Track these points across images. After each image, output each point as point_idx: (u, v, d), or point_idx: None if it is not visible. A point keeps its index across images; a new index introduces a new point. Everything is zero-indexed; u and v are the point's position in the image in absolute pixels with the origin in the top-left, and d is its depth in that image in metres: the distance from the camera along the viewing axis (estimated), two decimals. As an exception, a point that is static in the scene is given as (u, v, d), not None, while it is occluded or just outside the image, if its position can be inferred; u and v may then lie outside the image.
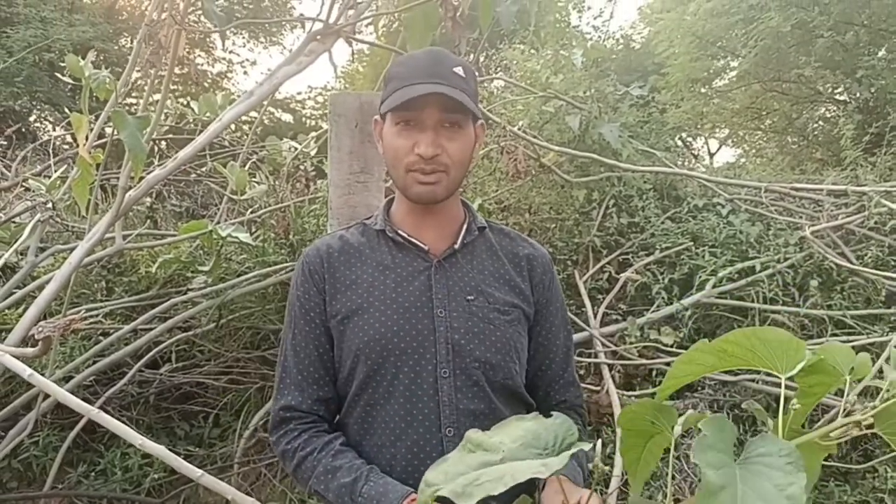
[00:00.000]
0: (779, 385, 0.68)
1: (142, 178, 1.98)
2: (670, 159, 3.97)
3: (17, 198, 3.72)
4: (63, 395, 1.34)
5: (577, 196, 3.63)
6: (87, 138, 2.03)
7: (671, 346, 2.97)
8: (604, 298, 3.27)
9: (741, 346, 0.68)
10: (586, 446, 0.67)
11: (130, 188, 1.96)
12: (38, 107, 10.28)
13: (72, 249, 2.20)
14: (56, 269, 2.33)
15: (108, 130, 2.53)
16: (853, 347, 0.72)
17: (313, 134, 3.58)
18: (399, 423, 1.13)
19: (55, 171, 3.19)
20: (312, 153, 3.56)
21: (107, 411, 2.05)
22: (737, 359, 0.69)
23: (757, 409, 0.76)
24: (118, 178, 1.97)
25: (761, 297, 3.08)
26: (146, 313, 3.02)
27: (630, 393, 2.85)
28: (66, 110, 4.32)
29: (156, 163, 3.54)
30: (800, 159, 8.03)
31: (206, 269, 2.93)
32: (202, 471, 1.21)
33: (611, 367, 2.91)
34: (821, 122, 9.31)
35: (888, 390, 0.64)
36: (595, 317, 3.10)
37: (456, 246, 1.21)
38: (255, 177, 3.54)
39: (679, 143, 9.72)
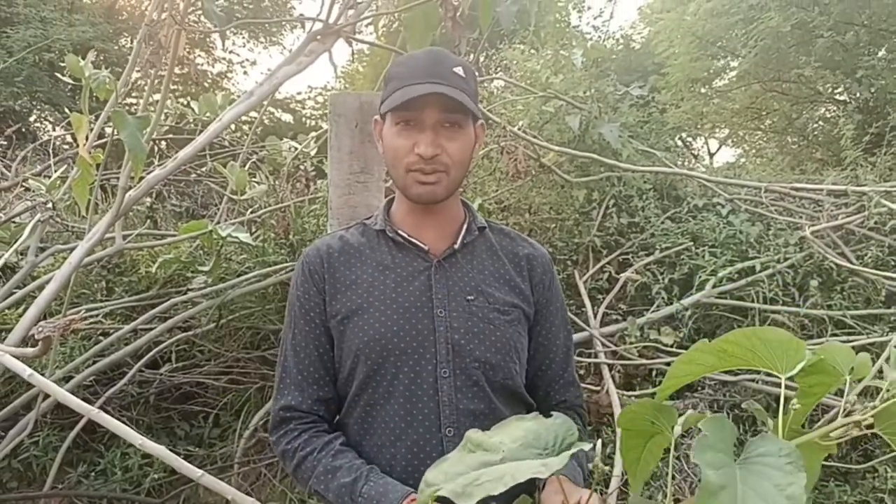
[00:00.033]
0: (778, 385, 0.68)
1: (142, 178, 1.98)
2: (670, 159, 3.97)
3: (18, 198, 3.72)
4: (63, 395, 1.34)
5: (577, 196, 3.63)
6: (87, 138, 2.03)
7: (671, 346, 2.98)
8: (604, 298, 3.27)
9: (741, 346, 0.68)
10: (586, 446, 0.67)
11: (130, 188, 1.96)
12: (38, 107, 10.28)
13: (72, 249, 2.20)
14: (56, 269, 2.33)
15: (108, 130, 2.54)
16: (853, 347, 0.72)
17: (313, 134, 3.58)
18: (399, 423, 1.13)
19: (55, 171, 3.19)
20: (312, 153, 3.56)
21: (107, 411, 2.05)
22: (737, 359, 0.69)
23: (757, 409, 0.76)
24: (118, 178, 1.97)
25: (761, 297, 3.08)
26: (146, 313, 3.02)
27: (630, 393, 2.85)
28: (66, 110, 4.32)
29: (156, 163, 3.55)
30: (800, 159, 8.03)
31: (206, 269, 2.93)
32: (202, 471, 1.21)
33: (611, 367, 2.91)
34: (821, 122, 9.31)
35: (888, 390, 0.64)
36: (595, 317, 3.10)
37: (456, 246, 1.21)
38: (255, 177, 3.54)
39: (679, 143, 9.72)
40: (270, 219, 3.49)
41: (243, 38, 14.18)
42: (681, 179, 3.95)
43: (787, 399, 0.69)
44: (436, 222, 1.22)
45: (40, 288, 2.60)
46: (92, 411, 1.29)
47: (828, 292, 3.17)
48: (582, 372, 2.95)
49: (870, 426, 0.64)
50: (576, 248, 3.57)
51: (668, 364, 2.90)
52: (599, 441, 0.81)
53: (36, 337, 1.22)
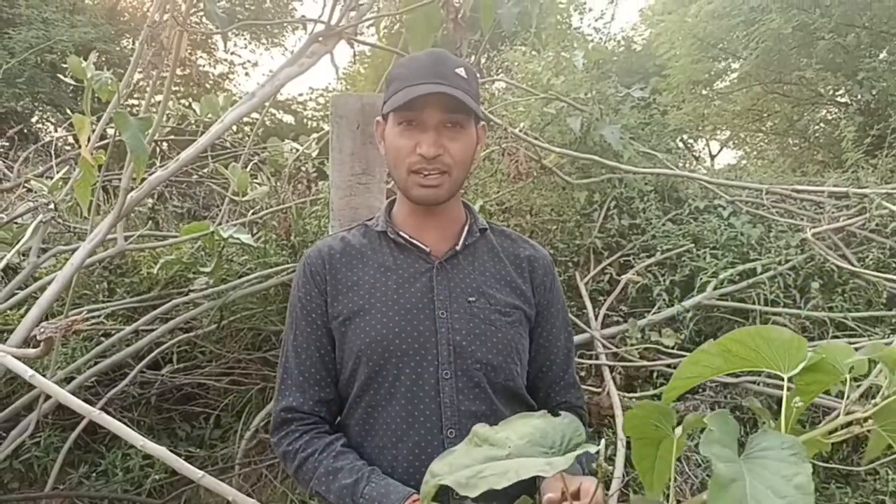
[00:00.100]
0: (778, 387, 0.69)
1: (144, 180, 1.98)
2: (671, 161, 3.97)
3: (20, 199, 3.73)
4: (64, 396, 1.34)
5: (578, 198, 3.63)
6: (89, 139, 2.04)
7: (672, 348, 2.97)
8: (605, 300, 3.27)
9: (745, 346, 0.68)
10: (592, 448, 0.67)
11: (132, 189, 1.97)
12: (40, 108, 10.29)
13: (74, 250, 2.20)
14: (58, 270, 2.33)
15: (111, 132, 2.54)
16: (854, 349, 0.72)
17: (315, 135, 3.58)
18: (400, 425, 1.13)
19: (57, 173, 3.19)
20: (314, 154, 3.57)
21: (108, 412, 2.06)
22: (741, 359, 0.69)
23: (758, 407, 0.77)
24: (120, 180, 1.97)
25: (762, 299, 3.07)
26: (148, 314, 3.02)
27: (631, 395, 2.85)
28: (68, 111, 4.33)
29: (157, 164, 3.55)
30: (801, 161, 8.04)
31: (207, 270, 2.93)
32: (203, 472, 1.21)
33: (612, 368, 2.91)
34: (822, 124, 9.32)
35: (888, 387, 0.64)
36: (596, 318, 3.10)
37: (457, 247, 1.21)
38: (256, 178, 3.54)
39: (680, 144, 9.72)
40: (272, 220, 3.49)
41: (245, 39, 14.20)
42: (682, 181, 3.95)
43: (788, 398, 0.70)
44: (437, 224, 1.22)
45: (42, 289, 2.60)
46: (93, 412, 1.29)
47: (829, 294, 3.17)
48: (583, 373, 2.95)
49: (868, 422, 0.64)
50: (577, 249, 3.57)
51: (669, 366, 2.90)
52: (603, 441, 0.81)
53: (38, 338, 1.23)
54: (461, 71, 1.14)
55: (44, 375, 1.45)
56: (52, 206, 2.87)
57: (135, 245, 3.11)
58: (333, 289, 1.19)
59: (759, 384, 2.77)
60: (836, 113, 8.80)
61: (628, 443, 2.27)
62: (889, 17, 7.40)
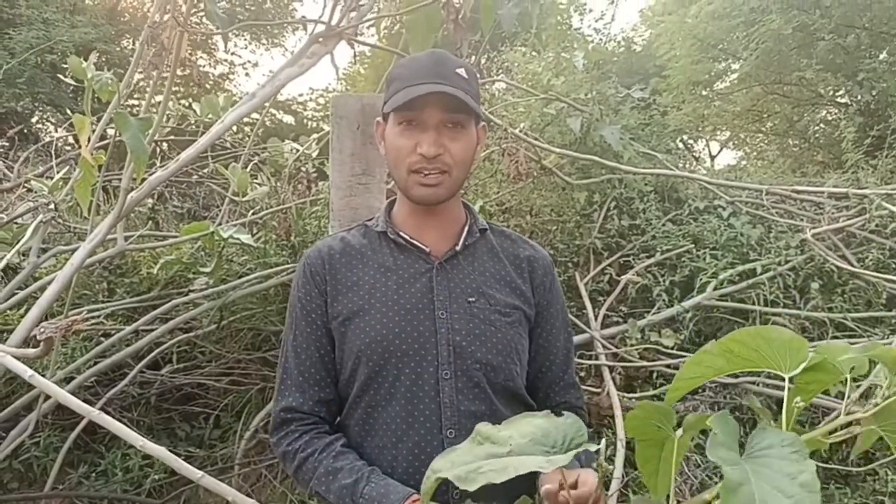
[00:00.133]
0: (777, 387, 0.69)
1: (144, 180, 1.98)
2: (671, 161, 3.97)
3: (20, 199, 3.73)
4: (64, 396, 1.34)
5: (578, 198, 3.63)
6: (89, 140, 2.04)
7: (672, 349, 2.97)
8: (604, 300, 3.27)
9: (747, 346, 0.68)
10: (593, 447, 0.67)
11: (132, 189, 1.97)
12: (41, 108, 10.29)
13: (74, 250, 2.20)
14: (58, 270, 2.33)
15: (111, 132, 2.55)
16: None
17: (315, 136, 3.58)
18: (400, 425, 1.13)
19: (57, 173, 3.19)
20: (314, 155, 3.57)
21: (108, 412, 2.06)
22: (743, 359, 0.69)
23: (759, 408, 0.77)
24: (120, 180, 1.97)
25: (762, 300, 3.08)
26: (147, 314, 3.02)
27: (631, 395, 2.85)
28: (69, 112, 4.33)
29: (158, 164, 3.55)
30: (801, 162, 8.04)
31: (207, 270, 2.93)
32: (202, 472, 1.21)
33: (611, 368, 2.91)
34: (822, 125, 9.33)
35: (888, 388, 0.64)
36: (596, 319, 3.10)
37: (457, 248, 1.21)
38: (256, 178, 3.55)
39: (680, 145, 9.73)
40: (272, 220, 3.50)
41: (245, 39, 14.21)
42: (682, 182, 3.95)
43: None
44: (437, 223, 1.22)
45: (42, 289, 2.60)
46: (93, 412, 1.29)
47: (829, 295, 3.17)
48: (582, 374, 2.95)
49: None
50: (577, 250, 3.57)
51: (668, 366, 2.90)
52: (604, 441, 0.81)
53: (38, 338, 1.23)
54: (461, 71, 1.14)
55: (43, 375, 1.45)
56: (52, 206, 2.87)
57: (135, 245, 3.12)
58: (333, 289, 1.19)
59: (758, 384, 2.77)
60: (836, 114, 8.81)
61: (628, 443, 2.27)
62: (889, 18, 7.40)
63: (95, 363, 2.87)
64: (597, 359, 2.94)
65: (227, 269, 3.16)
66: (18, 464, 2.86)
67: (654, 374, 3.01)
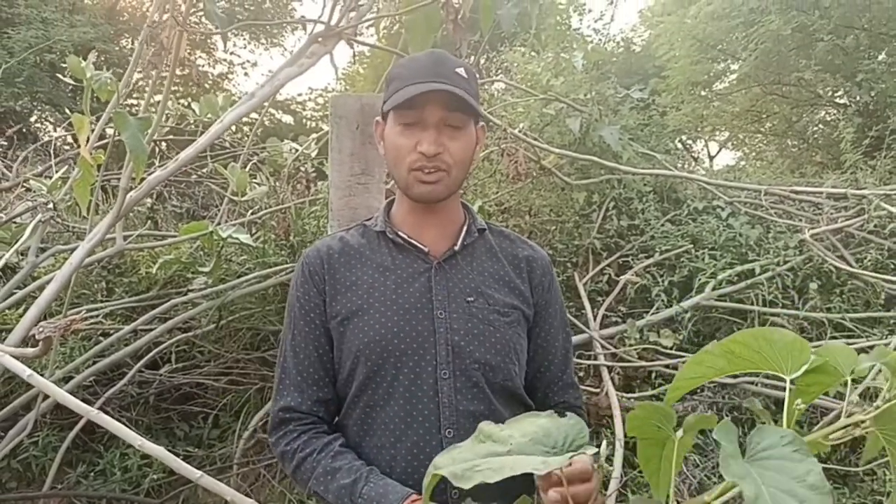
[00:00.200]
0: (777, 387, 0.69)
1: (143, 179, 1.98)
2: (670, 162, 3.97)
3: (18, 198, 3.72)
4: (62, 395, 1.34)
5: (577, 198, 3.63)
6: (88, 139, 2.04)
7: (671, 349, 2.98)
8: (603, 300, 3.28)
9: (748, 348, 0.68)
10: (591, 450, 0.67)
11: (131, 189, 1.97)
12: (39, 107, 10.28)
13: (72, 250, 2.20)
14: (57, 270, 2.33)
15: (110, 131, 2.54)
16: (853, 350, 0.72)
17: (314, 135, 3.58)
18: (399, 425, 1.13)
19: (56, 172, 3.19)
20: (313, 155, 3.57)
21: (106, 412, 2.06)
22: (744, 360, 0.69)
23: (759, 409, 0.77)
24: (119, 179, 1.97)
25: (761, 300, 3.08)
26: (146, 314, 3.02)
27: (629, 395, 2.85)
28: (68, 111, 4.32)
29: (157, 164, 3.55)
30: (800, 162, 8.05)
31: (206, 270, 2.93)
32: (201, 472, 1.21)
33: (610, 368, 2.91)
34: (821, 126, 9.33)
35: (889, 391, 0.64)
36: (595, 319, 3.10)
37: (456, 247, 1.21)
38: (255, 178, 3.55)
39: (679, 145, 9.72)
40: (271, 220, 3.50)
41: (244, 39, 14.19)
42: (681, 182, 3.95)
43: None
44: (436, 223, 1.22)
45: (41, 288, 2.60)
46: (91, 412, 1.29)
47: (827, 295, 3.17)
48: (581, 374, 2.95)
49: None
50: (576, 250, 3.57)
51: (667, 366, 2.91)
52: (605, 442, 0.81)
53: (36, 337, 1.22)
54: (461, 71, 1.14)
55: (42, 375, 1.45)
56: (50, 205, 2.87)
57: (134, 245, 3.11)
58: (332, 289, 1.19)
59: (757, 385, 2.78)
60: (834, 114, 8.81)
61: (627, 443, 2.28)
62: (888, 19, 7.41)
63: (94, 363, 2.87)
64: (595, 359, 2.94)
65: (225, 269, 3.16)
66: (17, 463, 2.86)
67: (653, 375, 3.01)
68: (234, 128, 3.93)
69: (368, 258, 1.21)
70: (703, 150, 13.64)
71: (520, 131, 3.50)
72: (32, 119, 10.54)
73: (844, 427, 0.65)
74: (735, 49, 8.63)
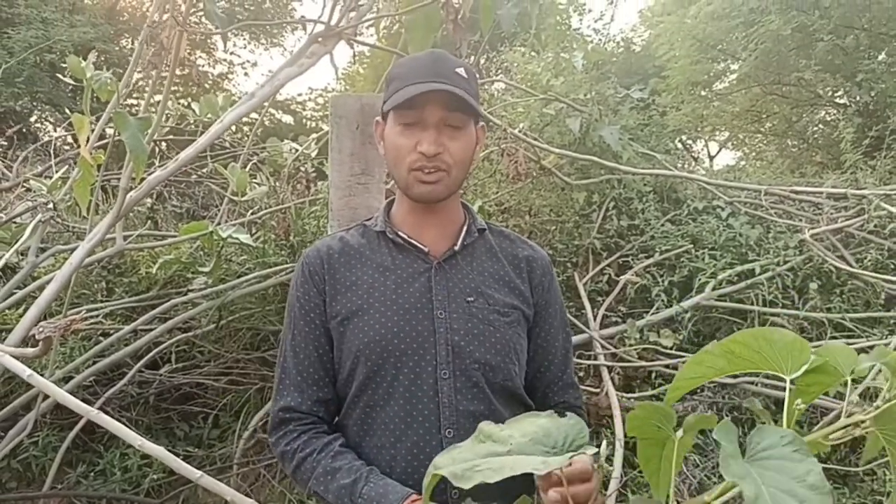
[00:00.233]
0: (776, 387, 0.69)
1: (143, 179, 1.98)
2: (670, 162, 3.97)
3: (18, 198, 3.73)
4: (62, 395, 1.34)
5: (577, 198, 3.63)
6: (88, 139, 2.04)
7: (671, 349, 2.98)
8: (603, 300, 3.28)
9: (749, 348, 0.68)
10: (592, 449, 0.67)
11: (131, 189, 1.97)
12: (39, 107, 10.28)
13: (72, 250, 2.20)
14: (57, 270, 2.33)
15: (110, 131, 2.54)
16: (853, 350, 0.72)
17: (314, 135, 3.58)
18: (399, 425, 1.13)
19: (56, 172, 3.19)
20: (313, 155, 3.57)
21: (106, 412, 2.06)
22: (744, 360, 0.69)
23: (760, 410, 0.77)
24: (119, 179, 1.97)
25: (761, 300, 3.08)
26: (146, 314, 3.02)
27: (629, 395, 2.85)
28: (68, 111, 4.33)
29: (157, 164, 3.55)
30: (800, 162, 8.05)
31: (206, 270, 2.93)
32: (201, 472, 1.21)
33: (610, 368, 2.91)
34: (821, 126, 9.33)
35: (889, 391, 0.64)
36: (595, 319, 3.10)
37: (456, 247, 1.21)
38: (255, 178, 3.55)
39: (679, 145, 9.72)
40: (271, 220, 3.50)
41: (244, 39, 14.19)
42: (681, 182, 3.95)
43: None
44: (436, 222, 1.22)
45: (41, 288, 2.60)
46: (91, 412, 1.29)
47: (827, 295, 3.17)
48: (581, 374, 2.95)
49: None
50: (576, 250, 3.57)
51: (667, 366, 2.91)
52: (605, 442, 0.81)
53: (36, 337, 1.22)
54: (461, 71, 1.14)
55: (42, 375, 1.45)
56: (50, 205, 2.87)
57: (133, 245, 3.11)
58: (332, 289, 1.19)
59: (757, 385, 2.78)
60: (834, 114, 8.81)
61: (627, 443, 2.28)
62: (888, 19, 7.41)
63: (94, 363, 2.87)
64: (595, 359, 2.94)
65: (225, 269, 3.16)
66: (17, 463, 2.86)
67: (653, 374, 3.01)
68: (234, 128, 3.93)
69: (368, 258, 1.21)
70: (703, 150, 13.64)
71: (520, 131, 3.50)
72: (32, 119, 10.54)
73: (844, 427, 0.65)
74: (735, 49, 8.63)
